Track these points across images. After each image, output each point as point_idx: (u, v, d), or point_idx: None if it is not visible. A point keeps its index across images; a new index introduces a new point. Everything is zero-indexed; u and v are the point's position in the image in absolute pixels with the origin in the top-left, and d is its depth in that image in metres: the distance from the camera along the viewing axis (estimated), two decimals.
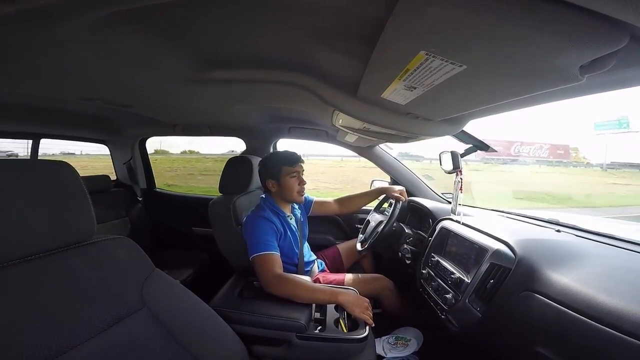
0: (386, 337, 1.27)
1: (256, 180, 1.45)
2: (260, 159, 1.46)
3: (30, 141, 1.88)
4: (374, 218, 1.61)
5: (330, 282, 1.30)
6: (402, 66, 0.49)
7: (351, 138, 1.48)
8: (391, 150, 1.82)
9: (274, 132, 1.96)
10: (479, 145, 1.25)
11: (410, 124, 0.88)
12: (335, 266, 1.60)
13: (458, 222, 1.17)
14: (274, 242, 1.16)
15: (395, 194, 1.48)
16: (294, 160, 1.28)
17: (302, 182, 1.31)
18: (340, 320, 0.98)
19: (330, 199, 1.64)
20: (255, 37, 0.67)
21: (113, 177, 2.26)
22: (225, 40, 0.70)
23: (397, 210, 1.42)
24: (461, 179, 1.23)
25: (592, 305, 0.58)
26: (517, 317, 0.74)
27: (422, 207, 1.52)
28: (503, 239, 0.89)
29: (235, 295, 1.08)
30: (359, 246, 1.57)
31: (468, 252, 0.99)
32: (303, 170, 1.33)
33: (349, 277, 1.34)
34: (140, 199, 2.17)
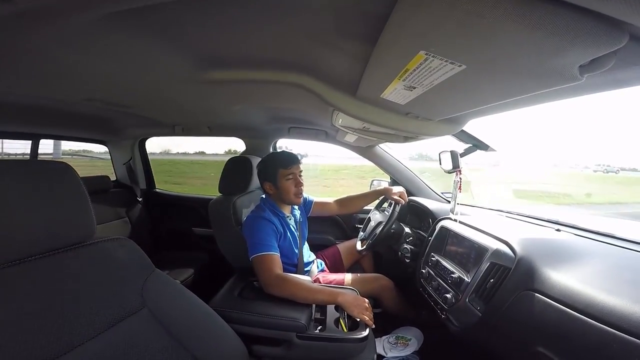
0: (386, 336, 1.27)
1: (256, 180, 1.45)
2: (259, 159, 1.47)
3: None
4: (375, 217, 1.61)
5: (330, 282, 1.31)
6: (401, 66, 0.49)
7: (351, 138, 1.48)
8: (391, 150, 1.82)
9: (274, 132, 1.96)
10: (479, 145, 1.25)
11: (410, 123, 0.88)
12: (335, 266, 1.60)
13: (455, 220, 1.17)
14: (274, 242, 1.16)
15: (395, 197, 1.45)
16: (288, 163, 1.26)
17: (298, 184, 1.28)
18: (341, 320, 0.98)
19: (330, 199, 1.64)
20: (254, 37, 0.67)
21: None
22: (225, 40, 0.70)
23: (396, 213, 1.41)
24: (460, 178, 1.23)
25: (593, 305, 0.58)
26: (517, 316, 0.74)
27: (422, 206, 1.52)
28: (503, 238, 0.89)
29: (235, 295, 1.07)
30: (359, 245, 1.57)
31: (468, 252, 0.99)
32: (301, 171, 1.30)
33: (348, 277, 1.34)
34: (140, 199, 2.17)
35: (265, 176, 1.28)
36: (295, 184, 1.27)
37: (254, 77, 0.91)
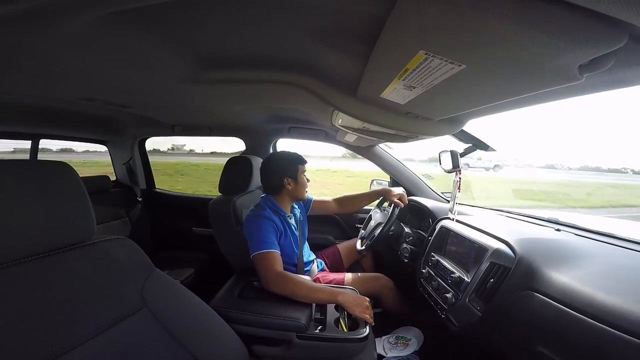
0: (386, 336, 1.27)
1: (256, 180, 1.45)
2: (259, 159, 1.46)
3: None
4: (375, 217, 1.61)
5: (330, 282, 1.31)
6: (401, 66, 0.49)
7: (351, 138, 1.48)
8: (391, 150, 1.82)
9: (274, 132, 1.96)
10: (478, 145, 1.25)
11: (410, 123, 0.88)
12: (335, 266, 1.60)
13: (453, 219, 1.18)
14: (275, 240, 1.16)
15: (394, 199, 1.44)
16: (304, 160, 1.34)
17: (307, 180, 1.36)
18: (341, 320, 0.98)
19: (329, 198, 1.64)
20: (255, 37, 0.67)
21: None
22: (225, 40, 0.70)
23: (395, 215, 1.40)
24: (460, 178, 1.23)
25: (592, 304, 0.58)
26: (517, 316, 0.74)
27: (422, 206, 1.53)
28: (503, 238, 0.89)
29: (235, 295, 1.08)
30: (358, 244, 1.57)
31: (468, 252, 0.99)
32: None
33: (348, 276, 1.34)
34: (140, 199, 2.17)
35: (286, 172, 1.29)
36: (306, 180, 1.36)
37: (254, 77, 0.91)
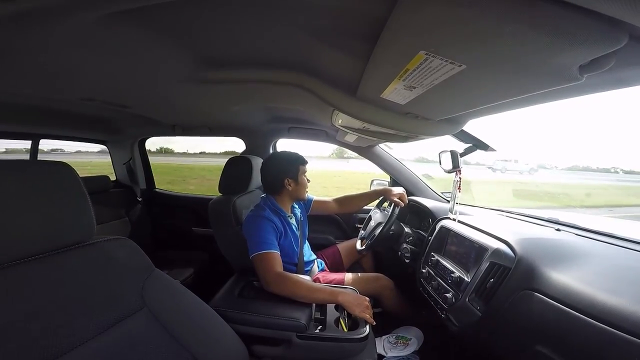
0: (386, 336, 1.27)
1: (256, 180, 1.44)
2: (259, 159, 1.46)
3: None
4: (375, 217, 1.61)
5: (330, 282, 1.31)
6: (401, 66, 0.49)
7: (351, 138, 1.48)
8: (391, 150, 1.82)
9: (274, 132, 1.96)
10: (479, 145, 1.25)
11: (410, 123, 0.88)
12: (335, 266, 1.60)
13: (454, 220, 1.17)
14: (274, 241, 1.16)
15: (394, 199, 1.44)
16: (305, 160, 1.34)
17: (308, 180, 1.36)
18: (341, 320, 0.98)
19: (329, 198, 1.64)
20: (255, 36, 0.67)
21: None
22: (225, 40, 0.70)
23: (395, 215, 1.40)
24: (460, 178, 1.23)
25: (592, 304, 0.58)
26: (517, 316, 0.74)
27: (422, 206, 1.53)
28: (503, 238, 0.89)
29: (235, 295, 1.08)
30: (358, 244, 1.57)
31: (468, 251, 0.99)
32: None
33: (349, 276, 1.35)
34: (140, 199, 2.17)
35: (287, 172, 1.29)
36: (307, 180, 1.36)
37: (254, 77, 0.91)
